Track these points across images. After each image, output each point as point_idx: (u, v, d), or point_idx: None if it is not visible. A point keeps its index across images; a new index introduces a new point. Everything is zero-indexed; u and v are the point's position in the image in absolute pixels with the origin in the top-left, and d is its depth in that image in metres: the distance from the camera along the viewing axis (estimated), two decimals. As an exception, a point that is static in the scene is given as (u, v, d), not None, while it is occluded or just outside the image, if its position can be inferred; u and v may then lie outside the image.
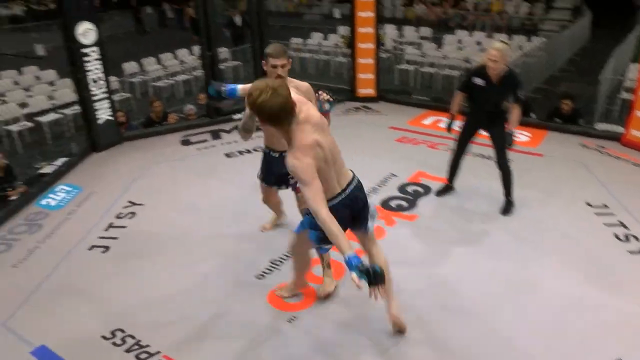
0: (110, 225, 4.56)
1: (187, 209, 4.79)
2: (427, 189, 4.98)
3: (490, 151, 4.52)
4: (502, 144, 4.35)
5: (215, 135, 6.67)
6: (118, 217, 4.69)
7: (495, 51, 4.07)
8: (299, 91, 2.93)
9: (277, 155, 3.58)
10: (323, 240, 2.73)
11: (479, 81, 4.23)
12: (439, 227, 4.36)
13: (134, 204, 4.92)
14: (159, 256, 4.10)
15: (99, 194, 5.16)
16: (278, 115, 2.45)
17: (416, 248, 4.09)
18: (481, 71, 4.22)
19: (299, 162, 2.49)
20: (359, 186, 2.88)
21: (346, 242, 2.45)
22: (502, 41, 4.34)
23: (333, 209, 2.58)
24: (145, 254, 4.13)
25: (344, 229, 2.64)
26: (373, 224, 2.97)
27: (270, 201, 4.06)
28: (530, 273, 3.77)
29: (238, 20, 12.06)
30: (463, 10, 16.05)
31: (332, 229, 2.47)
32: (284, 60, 3.14)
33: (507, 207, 4.55)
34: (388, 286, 2.96)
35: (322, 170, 2.60)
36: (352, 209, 2.83)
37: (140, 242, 4.31)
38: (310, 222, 2.81)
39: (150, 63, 11.02)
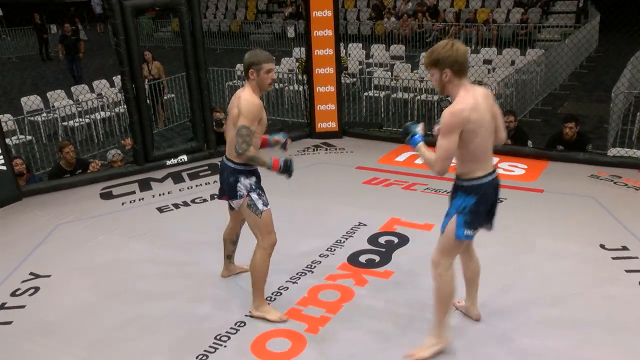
0: (3, 306, 4.41)
1: (106, 280, 4.70)
2: (403, 239, 5.02)
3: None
4: None
5: (145, 185, 6.66)
6: (14, 294, 4.55)
7: None
8: None
9: None
10: (469, 223, 3.29)
11: None
12: (419, 285, 4.30)
13: (37, 275, 4.81)
14: (70, 345, 3.93)
15: (-14, 265, 5.02)
16: (464, 62, 3.16)
17: (393, 312, 4.05)
18: None
19: (451, 111, 3.13)
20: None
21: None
22: None
23: (486, 186, 3.27)
24: (51, 343, 3.97)
25: (483, 219, 3.36)
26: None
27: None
28: (537, 347, 3.62)
29: None
30: (442, 21, 16.58)
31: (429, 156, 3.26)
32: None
33: None
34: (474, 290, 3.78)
35: (479, 135, 3.18)
36: (495, 196, 3.38)
37: (45, 326, 4.15)
38: (457, 206, 3.32)
39: (58, 97, 10.88)
